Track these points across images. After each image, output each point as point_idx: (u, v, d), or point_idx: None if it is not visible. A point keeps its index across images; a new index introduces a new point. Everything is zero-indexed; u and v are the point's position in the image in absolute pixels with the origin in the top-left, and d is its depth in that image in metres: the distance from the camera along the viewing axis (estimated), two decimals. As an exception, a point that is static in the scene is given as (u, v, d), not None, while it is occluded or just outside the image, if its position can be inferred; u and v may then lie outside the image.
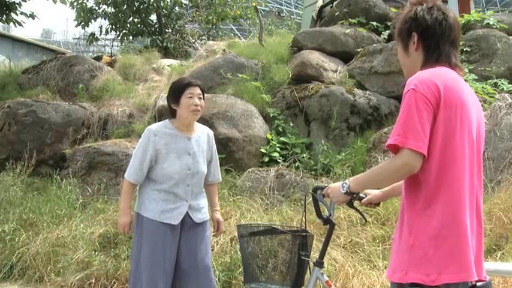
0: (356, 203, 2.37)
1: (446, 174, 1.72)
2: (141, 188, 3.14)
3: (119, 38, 12.80)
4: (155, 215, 3.00)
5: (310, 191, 2.31)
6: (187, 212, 3.07)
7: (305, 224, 2.32)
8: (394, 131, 1.74)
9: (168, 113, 6.52)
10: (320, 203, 2.28)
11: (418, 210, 1.75)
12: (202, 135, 3.20)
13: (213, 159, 3.27)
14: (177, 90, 3.10)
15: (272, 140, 6.07)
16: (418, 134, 1.68)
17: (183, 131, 3.11)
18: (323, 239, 2.37)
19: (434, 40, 1.86)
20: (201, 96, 3.10)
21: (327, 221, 2.29)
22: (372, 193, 2.30)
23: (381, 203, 2.38)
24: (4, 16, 9.56)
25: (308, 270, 2.38)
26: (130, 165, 3.08)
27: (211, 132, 3.30)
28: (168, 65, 8.75)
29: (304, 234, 2.35)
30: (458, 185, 1.73)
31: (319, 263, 2.32)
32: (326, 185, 2.21)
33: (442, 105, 1.72)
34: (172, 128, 3.11)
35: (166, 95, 7.15)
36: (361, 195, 2.30)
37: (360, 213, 2.47)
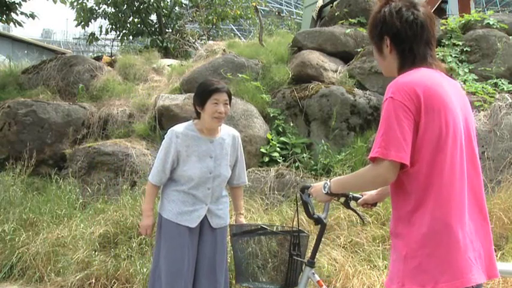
0: (354, 204, 2.37)
1: (435, 181, 1.70)
2: (163, 189, 3.13)
3: (119, 38, 12.81)
4: (172, 216, 2.99)
5: (298, 190, 2.30)
6: (205, 216, 3.03)
7: (298, 223, 2.30)
8: (375, 143, 1.71)
9: (168, 112, 6.53)
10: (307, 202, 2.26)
11: (407, 219, 1.74)
12: (228, 137, 3.14)
13: (238, 162, 3.22)
14: (203, 94, 3.02)
15: (272, 140, 6.07)
16: (400, 145, 1.66)
17: (205, 134, 3.06)
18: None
19: (408, 44, 1.81)
20: (227, 102, 3.04)
21: (318, 221, 2.28)
22: (368, 193, 2.29)
23: (378, 203, 2.37)
24: (4, 16, 9.56)
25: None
26: (154, 166, 3.08)
27: (237, 134, 3.24)
28: (168, 65, 8.75)
29: (296, 234, 2.32)
30: (448, 191, 1.70)
31: (311, 263, 2.31)
32: (312, 184, 2.19)
33: (424, 111, 1.68)
34: (195, 130, 3.06)
35: (167, 95, 7.04)
36: (357, 195, 2.30)
37: (358, 213, 2.46)
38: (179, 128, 3.06)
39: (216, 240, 3.07)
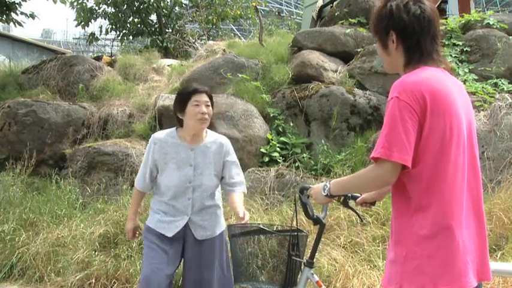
0: (352, 203, 2.37)
1: (438, 184, 1.69)
2: (151, 200, 3.09)
3: (119, 38, 12.82)
4: (152, 223, 2.93)
5: (297, 191, 2.30)
6: (189, 227, 2.89)
7: (296, 223, 2.29)
8: (378, 143, 1.69)
9: (168, 112, 6.54)
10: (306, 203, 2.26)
11: (408, 220, 1.73)
12: (213, 145, 2.95)
13: (226, 168, 2.99)
14: (182, 99, 2.89)
15: (272, 140, 6.07)
16: (403, 146, 1.63)
17: (187, 141, 2.91)
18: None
19: (414, 39, 1.77)
20: (209, 104, 2.89)
21: (317, 221, 2.28)
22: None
23: (377, 202, 2.36)
24: (4, 16, 9.56)
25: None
26: (138, 172, 3.05)
27: (225, 141, 3.02)
28: (168, 65, 8.76)
29: (295, 234, 2.32)
30: (450, 194, 1.69)
31: (310, 263, 2.30)
32: (311, 185, 2.19)
33: (429, 113, 1.66)
34: (176, 136, 2.92)
35: (167, 95, 7.04)
36: (355, 194, 2.30)
37: (356, 213, 2.45)
38: (159, 134, 2.97)
39: (201, 253, 2.91)
